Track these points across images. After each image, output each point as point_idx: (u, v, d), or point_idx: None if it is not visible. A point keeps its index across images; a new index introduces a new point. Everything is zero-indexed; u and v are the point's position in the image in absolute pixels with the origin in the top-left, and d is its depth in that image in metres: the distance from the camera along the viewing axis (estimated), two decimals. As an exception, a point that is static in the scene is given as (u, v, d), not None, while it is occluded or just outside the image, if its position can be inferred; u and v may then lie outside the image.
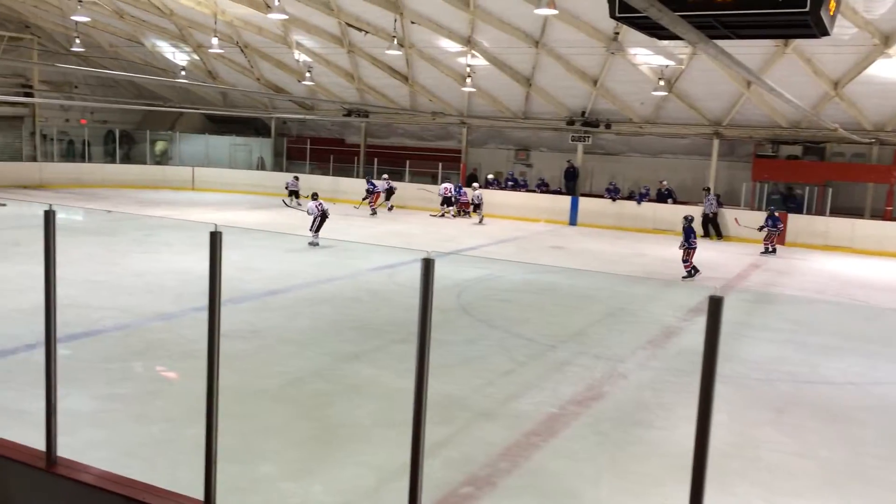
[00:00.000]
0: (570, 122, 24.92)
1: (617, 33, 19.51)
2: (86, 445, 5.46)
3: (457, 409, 7.10)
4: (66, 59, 27.68)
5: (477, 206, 23.92)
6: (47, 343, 3.65)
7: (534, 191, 26.12)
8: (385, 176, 26.02)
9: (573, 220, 24.61)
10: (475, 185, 24.82)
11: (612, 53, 20.46)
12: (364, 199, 25.03)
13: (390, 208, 25.41)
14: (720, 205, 22.81)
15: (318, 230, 16.73)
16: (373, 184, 25.13)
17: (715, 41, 5.23)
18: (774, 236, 20.14)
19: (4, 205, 20.74)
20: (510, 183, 26.82)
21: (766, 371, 9.00)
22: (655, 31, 5.13)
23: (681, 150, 25.44)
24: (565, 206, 24.86)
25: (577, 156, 25.95)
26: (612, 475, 5.97)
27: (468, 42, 21.87)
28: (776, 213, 20.35)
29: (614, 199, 24.33)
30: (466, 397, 7.50)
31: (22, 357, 8.04)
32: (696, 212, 22.28)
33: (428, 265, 2.88)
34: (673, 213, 23.30)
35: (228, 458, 3.22)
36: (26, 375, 7.24)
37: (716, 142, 23.75)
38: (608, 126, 24.71)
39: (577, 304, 12.84)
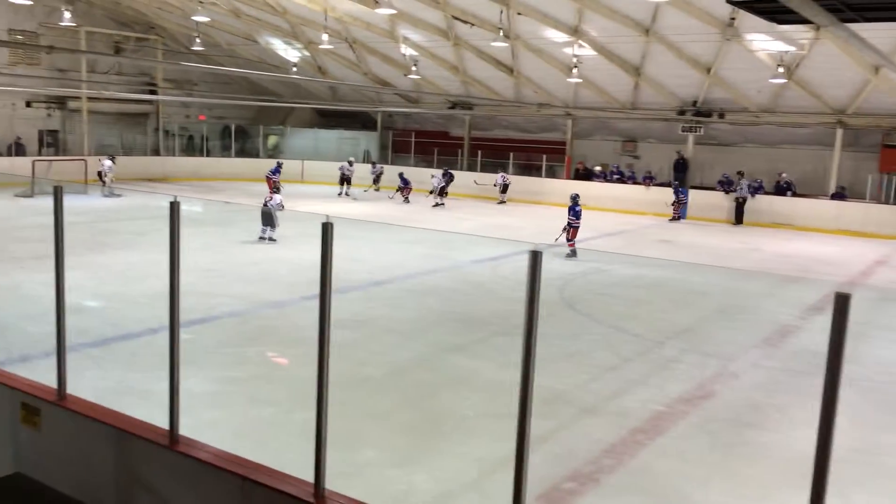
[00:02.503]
0: (681, 112, 24.12)
1: (733, 19, 18.73)
2: (203, 425, 5.74)
3: (560, 404, 7.03)
4: (188, 57, 29.15)
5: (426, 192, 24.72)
6: (171, 328, 3.85)
7: (640, 183, 25.45)
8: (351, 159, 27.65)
9: (683, 214, 23.86)
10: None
11: (728, 40, 19.67)
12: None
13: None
14: (754, 191, 23.02)
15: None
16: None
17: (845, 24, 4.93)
18: (679, 205, 23.00)
19: (121, 195, 22.07)
20: (615, 176, 26.24)
21: (891, 374, 8.46)
22: (775, 14, 4.90)
23: (801, 141, 24.18)
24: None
25: (687, 147, 25.13)
26: (722, 478, 5.76)
27: (575, 32, 21.53)
28: (680, 187, 23.21)
29: (727, 192, 23.39)
30: (570, 392, 7.41)
31: (146, 340, 8.53)
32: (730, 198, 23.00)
33: (536, 257, 2.84)
34: (792, 207, 22.25)
35: (334, 443, 3.30)
36: (151, 358, 7.67)
37: (839, 131, 22.42)
38: (721, 116, 23.76)
39: (687, 300, 12.45)
